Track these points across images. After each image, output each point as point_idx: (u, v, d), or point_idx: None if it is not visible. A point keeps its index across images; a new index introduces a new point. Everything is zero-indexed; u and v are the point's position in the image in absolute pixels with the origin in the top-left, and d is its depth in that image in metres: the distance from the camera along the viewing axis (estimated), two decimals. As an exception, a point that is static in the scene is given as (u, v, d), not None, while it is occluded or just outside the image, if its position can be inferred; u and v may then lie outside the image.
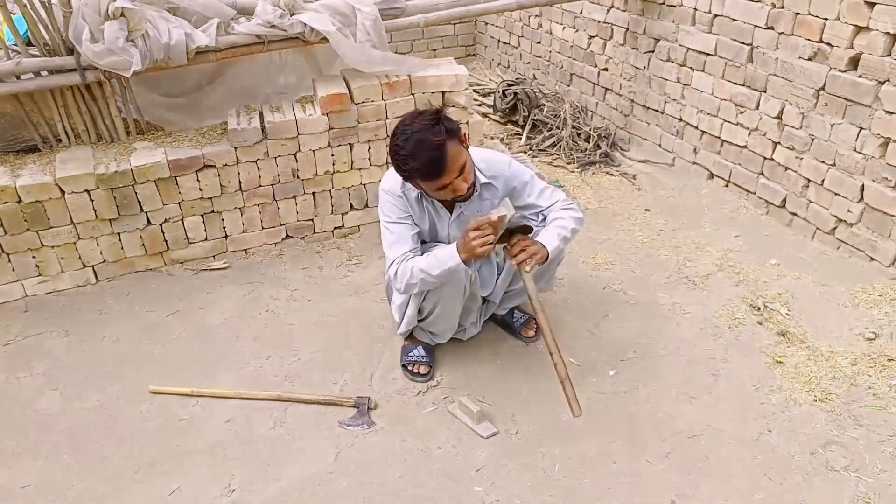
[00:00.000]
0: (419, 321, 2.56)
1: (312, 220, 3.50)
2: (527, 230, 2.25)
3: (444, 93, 3.41)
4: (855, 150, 2.99)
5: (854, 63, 2.92)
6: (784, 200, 3.43)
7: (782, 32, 3.21)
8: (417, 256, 2.31)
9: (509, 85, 4.67)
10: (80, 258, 3.12)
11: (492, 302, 2.69)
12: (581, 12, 4.59)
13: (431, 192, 2.23)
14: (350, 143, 3.35)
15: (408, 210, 2.37)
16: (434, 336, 2.62)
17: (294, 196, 3.39)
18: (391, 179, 2.36)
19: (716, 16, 3.55)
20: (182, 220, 3.22)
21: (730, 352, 2.66)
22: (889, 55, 2.77)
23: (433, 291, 2.37)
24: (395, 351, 2.72)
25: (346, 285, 3.17)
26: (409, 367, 2.60)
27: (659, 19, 3.93)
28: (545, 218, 2.45)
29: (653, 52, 4.05)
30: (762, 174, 3.53)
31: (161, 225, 3.19)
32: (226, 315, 2.99)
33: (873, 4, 2.76)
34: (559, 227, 2.36)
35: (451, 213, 2.41)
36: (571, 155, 4.26)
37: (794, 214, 3.39)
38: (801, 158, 3.27)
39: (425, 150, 2.08)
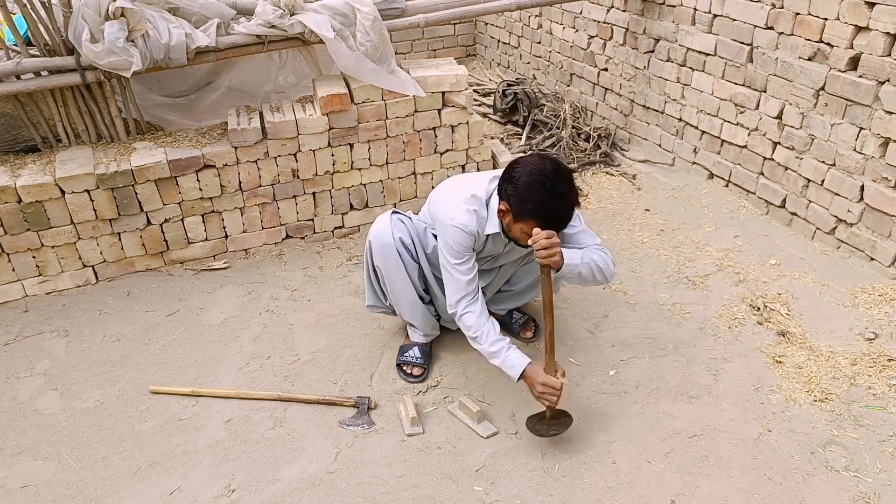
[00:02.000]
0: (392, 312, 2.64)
1: (312, 220, 3.50)
2: None
3: (444, 93, 3.41)
4: (855, 150, 2.99)
5: (854, 63, 2.92)
6: (784, 200, 3.43)
7: (782, 32, 3.21)
8: (492, 329, 2.30)
9: (509, 85, 4.67)
10: (80, 258, 3.12)
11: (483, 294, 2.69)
12: (581, 12, 4.59)
13: (525, 233, 2.14)
14: (350, 143, 3.35)
15: (473, 247, 2.30)
16: (416, 331, 2.63)
17: (294, 196, 3.39)
18: (464, 216, 2.23)
19: (716, 16, 3.55)
20: (182, 220, 3.22)
21: (730, 352, 2.66)
22: (889, 55, 2.77)
23: (383, 272, 2.47)
24: (395, 351, 2.72)
25: (346, 285, 3.17)
26: (404, 368, 2.60)
27: (659, 19, 3.93)
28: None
29: (653, 52, 4.05)
30: (762, 174, 3.53)
31: (161, 225, 3.19)
32: (226, 315, 2.99)
33: (873, 4, 2.76)
34: (588, 255, 2.26)
35: (507, 242, 2.38)
36: (571, 155, 4.26)
37: (794, 214, 3.39)
38: (801, 158, 3.27)
39: (566, 205, 2.09)
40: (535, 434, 2.26)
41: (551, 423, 2.26)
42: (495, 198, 2.24)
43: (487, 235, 2.29)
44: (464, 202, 2.24)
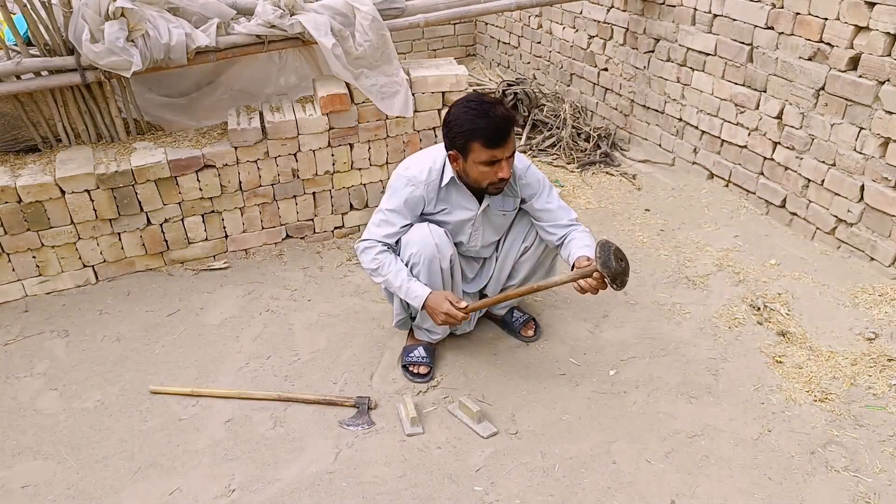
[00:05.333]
0: (410, 317, 2.63)
1: (312, 220, 3.50)
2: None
3: (444, 93, 3.41)
4: (855, 150, 2.99)
5: (854, 63, 2.92)
6: (784, 200, 3.43)
7: (782, 32, 3.21)
8: (395, 261, 2.39)
9: (509, 85, 4.67)
10: (80, 258, 3.12)
11: (488, 296, 2.70)
12: (581, 12, 4.59)
13: (478, 163, 2.25)
14: (350, 143, 3.35)
15: (419, 207, 2.39)
16: (430, 333, 2.62)
17: (294, 196, 3.39)
18: (417, 167, 2.40)
19: (716, 16, 3.55)
20: (182, 220, 3.22)
21: (730, 352, 2.66)
22: (889, 55, 2.77)
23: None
24: (396, 351, 2.72)
25: (346, 285, 3.17)
26: (410, 368, 2.60)
27: (659, 19, 3.93)
28: (562, 236, 2.49)
29: (653, 52, 4.05)
30: (762, 174, 3.53)
31: (161, 225, 3.19)
32: (226, 315, 2.99)
33: (873, 4, 2.76)
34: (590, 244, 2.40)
35: (479, 203, 2.45)
36: (571, 155, 4.26)
37: (794, 214, 3.39)
38: (801, 158, 3.27)
39: (496, 117, 2.20)
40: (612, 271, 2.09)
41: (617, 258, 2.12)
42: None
43: (445, 186, 2.40)
44: (417, 161, 2.44)
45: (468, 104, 2.25)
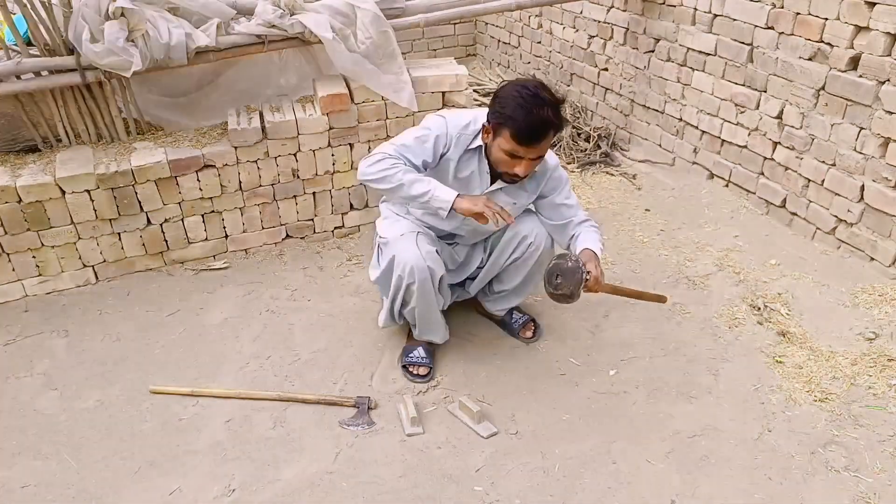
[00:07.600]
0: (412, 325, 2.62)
1: (312, 220, 3.50)
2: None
3: (444, 93, 3.41)
4: (855, 150, 2.99)
5: (854, 63, 2.92)
6: (784, 200, 3.43)
7: (782, 32, 3.21)
8: (414, 171, 2.25)
9: (509, 85, 4.66)
10: (80, 258, 3.12)
11: (466, 291, 2.74)
12: (581, 12, 4.59)
13: (501, 150, 2.18)
14: (350, 143, 3.35)
15: (440, 149, 2.31)
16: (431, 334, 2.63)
17: (294, 196, 3.39)
18: (456, 116, 2.33)
19: (716, 16, 3.55)
20: (182, 220, 3.22)
21: (730, 352, 2.66)
22: (889, 55, 2.77)
23: (408, 298, 2.43)
24: (396, 351, 2.72)
25: (346, 285, 3.17)
26: (409, 368, 2.60)
27: (659, 19, 3.93)
28: (573, 234, 2.48)
29: (653, 52, 4.05)
30: (762, 174, 3.53)
31: (161, 225, 3.19)
32: (226, 315, 2.99)
33: (873, 4, 2.76)
34: (601, 241, 2.43)
35: (490, 183, 2.38)
36: (571, 155, 4.26)
37: (794, 214, 3.39)
38: (802, 158, 3.27)
39: (537, 117, 2.09)
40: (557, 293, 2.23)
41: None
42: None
43: (471, 150, 2.32)
44: (458, 112, 2.38)
45: (522, 89, 2.12)
